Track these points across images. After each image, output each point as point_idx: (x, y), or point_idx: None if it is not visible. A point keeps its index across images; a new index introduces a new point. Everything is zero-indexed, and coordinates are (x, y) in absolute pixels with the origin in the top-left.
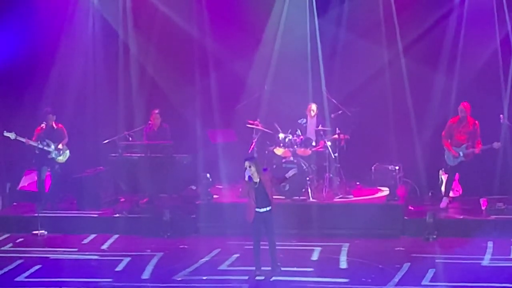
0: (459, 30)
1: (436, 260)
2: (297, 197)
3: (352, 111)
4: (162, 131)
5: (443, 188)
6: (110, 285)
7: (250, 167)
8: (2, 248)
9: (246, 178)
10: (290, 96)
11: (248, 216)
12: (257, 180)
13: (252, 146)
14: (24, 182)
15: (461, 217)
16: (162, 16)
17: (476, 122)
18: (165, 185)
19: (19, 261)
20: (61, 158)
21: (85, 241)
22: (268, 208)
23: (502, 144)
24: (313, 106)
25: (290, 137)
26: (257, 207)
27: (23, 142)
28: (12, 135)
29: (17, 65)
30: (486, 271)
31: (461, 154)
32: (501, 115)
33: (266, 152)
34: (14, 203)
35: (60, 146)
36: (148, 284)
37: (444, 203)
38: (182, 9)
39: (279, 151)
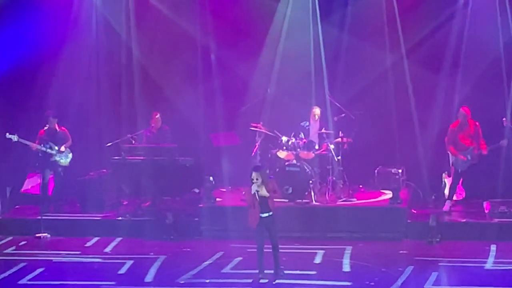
0: (462, 33)
1: (439, 263)
2: (300, 200)
3: (355, 114)
4: (161, 133)
5: (446, 191)
6: None
7: (257, 179)
8: (5, 251)
9: (253, 192)
10: (293, 99)
11: (251, 223)
12: (265, 194)
13: (255, 149)
14: (27, 185)
15: (464, 220)
16: (165, 19)
17: (477, 123)
18: (168, 188)
19: (22, 264)
20: (64, 161)
21: (88, 244)
22: (270, 213)
23: (508, 141)
24: (317, 110)
25: (293, 140)
26: (260, 213)
27: (25, 144)
28: (14, 137)
29: (21, 67)
30: (489, 274)
31: (469, 157)
32: (503, 119)
33: (269, 155)
34: (17, 206)
35: (62, 148)
36: (151, 287)
37: (447, 206)
38: (185, 11)
39: (282, 154)
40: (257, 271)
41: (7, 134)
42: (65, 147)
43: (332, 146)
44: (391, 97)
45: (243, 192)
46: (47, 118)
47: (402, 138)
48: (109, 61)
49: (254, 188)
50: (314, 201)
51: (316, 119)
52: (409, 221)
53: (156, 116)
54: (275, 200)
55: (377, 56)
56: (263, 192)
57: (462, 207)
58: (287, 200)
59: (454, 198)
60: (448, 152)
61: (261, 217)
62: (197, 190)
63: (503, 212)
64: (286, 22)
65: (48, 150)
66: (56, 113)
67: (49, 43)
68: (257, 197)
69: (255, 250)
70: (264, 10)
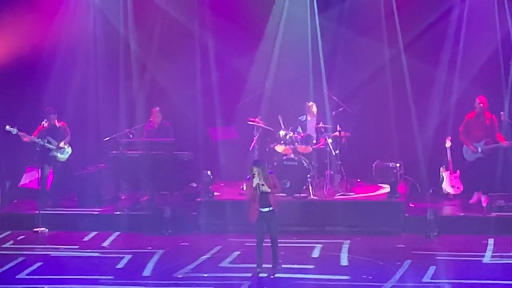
0: (460, 27)
1: (437, 257)
2: (298, 194)
3: (353, 108)
4: (163, 129)
5: (443, 185)
6: (111, 282)
7: (258, 174)
8: (3, 246)
9: (254, 185)
10: (291, 93)
11: (251, 217)
12: (267, 190)
13: (253, 144)
14: (25, 179)
15: (462, 214)
16: (163, 14)
17: (494, 116)
18: (166, 183)
19: (20, 258)
20: (62, 157)
21: (86, 238)
22: (271, 208)
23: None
24: (314, 107)
25: (291, 134)
26: (260, 207)
27: (24, 138)
28: (14, 130)
29: (19, 62)
30: (486, 268)
31: (480, 150)
32: (501, 113)
33: (267, 149)
34: (15, 201)
35: (61, 144)
36: (149, 282)
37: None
38: (183, 6)
39: (280, 148)
40: (255, 265)
41: (7, 126)
42: (65, 143)
43: (330, 140)
44: (389, 91)
45: (243, 186)
46: (47, 114)
47: (399, 132)
48: (107, 56)
49: (255, 181)
50: (312, 195)
51: (313, 111)
52: (406, 215)
53: (156, 110)
54: (276, 195)
55: (375, 50)
56: (265, 187)
57: (460, 201)
58: (285, 194)
59: (452, 192)
60: (461, 141)
61: (261, 211)
62: (195, 185)
63: (501, 206)
64: (284, 16)
65: (46, 144)
66: (55, 109)
67: (47, 38)
68: (259, 191)
69: (253, 244)
70: (262, 4)
